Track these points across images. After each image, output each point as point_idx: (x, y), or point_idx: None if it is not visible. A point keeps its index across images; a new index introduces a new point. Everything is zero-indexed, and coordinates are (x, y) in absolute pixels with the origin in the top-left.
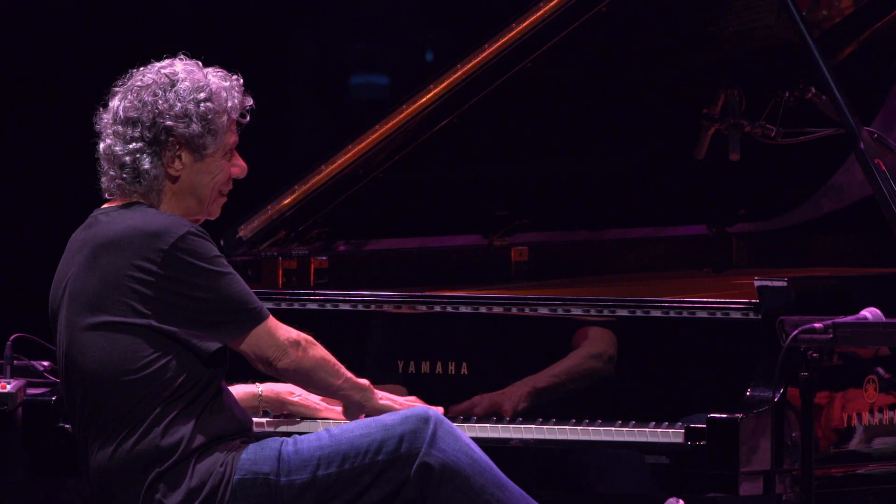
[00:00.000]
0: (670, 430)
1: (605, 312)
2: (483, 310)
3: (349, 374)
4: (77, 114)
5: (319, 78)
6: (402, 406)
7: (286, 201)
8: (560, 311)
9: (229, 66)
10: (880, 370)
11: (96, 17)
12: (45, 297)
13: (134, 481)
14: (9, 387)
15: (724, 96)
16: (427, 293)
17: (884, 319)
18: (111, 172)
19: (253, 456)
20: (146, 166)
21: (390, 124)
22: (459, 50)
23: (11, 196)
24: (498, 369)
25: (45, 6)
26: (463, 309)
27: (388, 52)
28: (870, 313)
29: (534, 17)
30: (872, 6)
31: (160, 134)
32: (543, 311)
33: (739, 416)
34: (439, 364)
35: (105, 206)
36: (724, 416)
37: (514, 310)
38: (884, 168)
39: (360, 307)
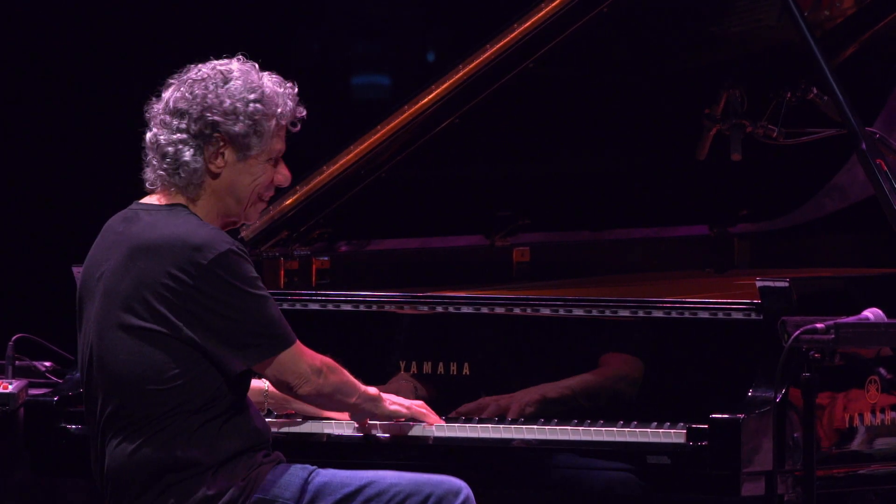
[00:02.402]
0: (672, 431)
1: (607, 313)
2: (485, 310)
3: (362, 389)
4: (77, 115)
5: (321, 78)
6: (409, 409)
7: (288, 202)
8: (562, 312)
9: None
10: (882, 370)
11: (98, 14)
12: (47, 299)
13: (148, 486)
14: (11, 387)
15: (726, 96)
16: (429, 293)
17: (885, 320)
18: (154, 162)
19: (278, 479)
20: (186, 158)
21: (392, 125)
22: (461, 50)
23: (13, 197)
24: (500, 370)
25: (49, 6)
26: (465, 309)
27: (389, 52)
28: (871, 314)
29: (536, 17)
30: (874, 7)
31: (206, 128)
32: (545, 311)
33: (741, 416)
34: (441, 364)
35: (146, 200)
36: (726, 416)
37: (515, 310)
38: (885, 168)
39: (361, 308)
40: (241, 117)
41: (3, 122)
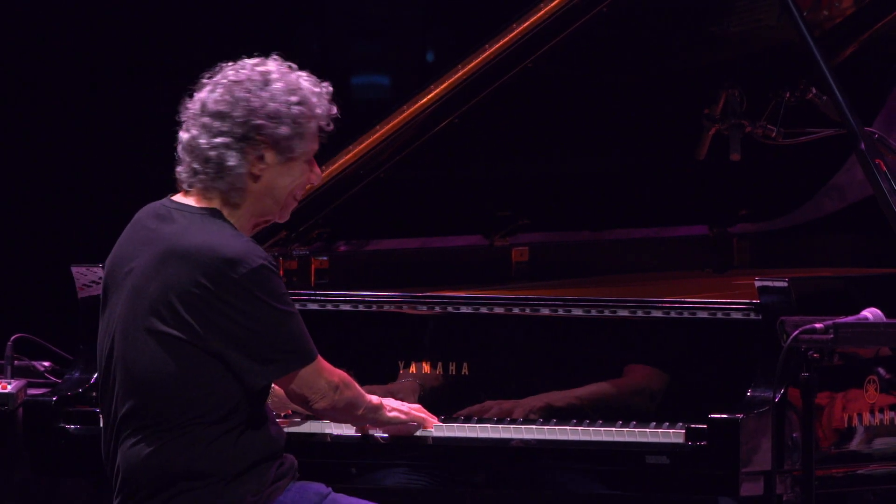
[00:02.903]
0: (671, 431)
1: (606, 313)
2: (484, 310)
3: (367, 400)
4: (76, 115)
5: (321, 78)
6: (408, 414)
7: None
8: (561, 312)
9: None
10: (881, 370)
11: (96, 13)
12: (46, 299)
13: (158, 491)
14: (9, 387)
15: (725, 96)
16: (428, 293)
17: (884, 320)
18: (194, 165)
19: (290, 502)
20: (231, 163)
21: (391, 124)
22: (460, 50)
23: (12, 197)
24: (499, 369)
25: (44, 4)
26: (464, 309)
27: (389, 52)
28: (870, 313)
29: (535, 17)
30: (873, 7)
31: (250, 131)
32: (544, 311)
33: (740, 416)
34: (440, 365)
35: (179, 198)
36: (725, 416)
37: (514, 310)
38: (884, 168)
39: (360, 307)
40: (286, 120)
41: (2, 123)
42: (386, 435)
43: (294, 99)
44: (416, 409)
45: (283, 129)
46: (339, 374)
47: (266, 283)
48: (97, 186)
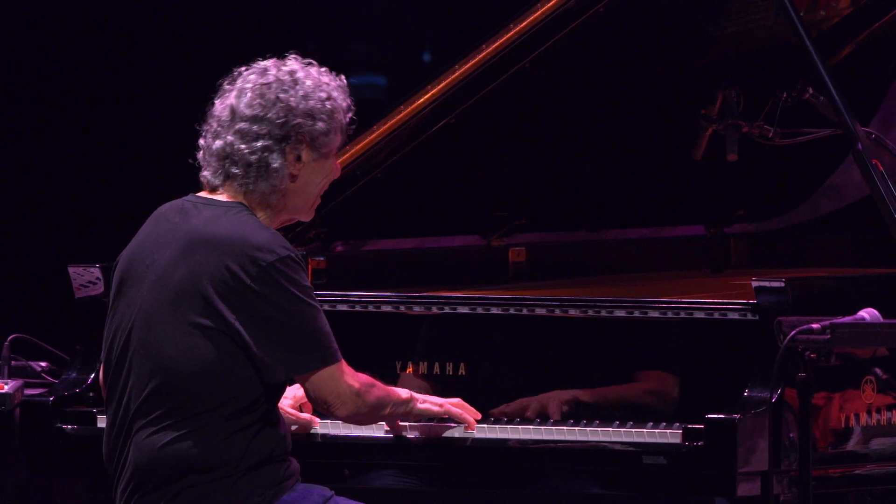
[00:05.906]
0: (668, 431)
1: (603, 313)
2: (480, 310)
3: (395, 397)
4: (73, 115)
5: None
6: (442, 406)
7: None
8: (558, 312)
9: (228, 67)
10: (878, 371)
11: (94, 15)
12: (43, 299)
13: (168, 482)
14: (6, 387)
15: (722, 96)
16: (425, 294)
17: (881, 320)
18: (234, 171)
19: (294, 502)
20: (275, 164)
21: (388, 125)
22: (457, 50)
23: (9, 197)
24: (495, 370)
25: (41, 8)
26: (461, 309)
27: (386, 52)
28: (867, 314)
29: (531, 17)
30: (870, 7)
31: (289, 132)
32: (541, 311)
33: (737, 416)
34: (437, 365)
35: (203, 194)
36: (722, 416)
37: (511, 310)
38: (881, 168)
39: (357, 308)
40: (322, 116)
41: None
42: (390, 435)
43: (324, 95)
44: (453, 402)
45: (320, 126)
46: (362, 380)
47: (293, 273)
48: (94, 187)
